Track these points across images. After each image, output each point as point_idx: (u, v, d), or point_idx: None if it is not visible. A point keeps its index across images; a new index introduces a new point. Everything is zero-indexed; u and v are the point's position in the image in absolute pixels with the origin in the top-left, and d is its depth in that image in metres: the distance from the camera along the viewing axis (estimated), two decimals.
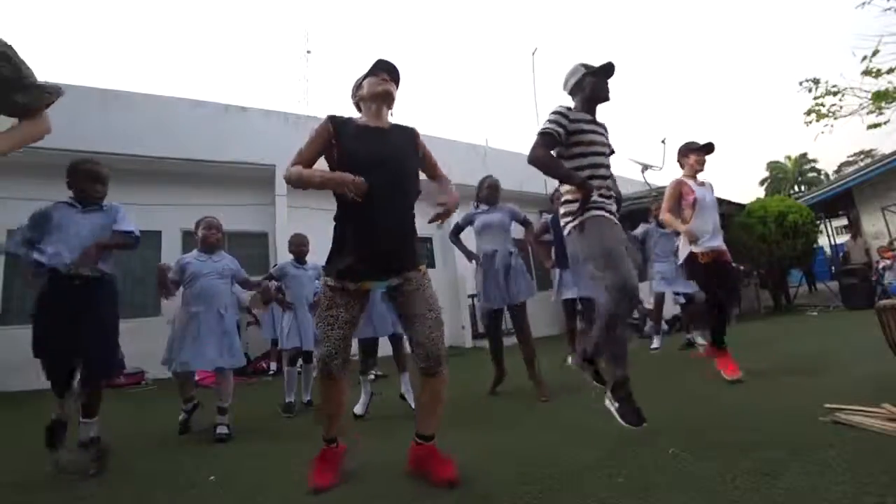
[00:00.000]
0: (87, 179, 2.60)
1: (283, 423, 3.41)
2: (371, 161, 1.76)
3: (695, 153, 3.45)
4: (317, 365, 1.81)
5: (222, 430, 3.00)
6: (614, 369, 2.06)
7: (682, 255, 3.44)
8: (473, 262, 3.81)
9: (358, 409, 3.13)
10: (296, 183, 1.78)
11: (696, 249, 3.35)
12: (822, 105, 7.53)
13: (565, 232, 2.27)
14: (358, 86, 1.97)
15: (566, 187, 2.27)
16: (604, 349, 2.10)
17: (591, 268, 2.08)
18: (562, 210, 2.31)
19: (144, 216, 6.85)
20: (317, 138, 1.84)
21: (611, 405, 2.08)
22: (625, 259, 2.06)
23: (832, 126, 7.59)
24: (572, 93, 2.43)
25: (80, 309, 2.37)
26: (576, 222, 2.18)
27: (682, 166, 3.57)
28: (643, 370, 4.22)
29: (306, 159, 1.84)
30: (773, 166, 33.24)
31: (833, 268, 11.92)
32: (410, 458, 1.92)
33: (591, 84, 2.33)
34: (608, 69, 2.34)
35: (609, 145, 2.40)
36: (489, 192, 3.86)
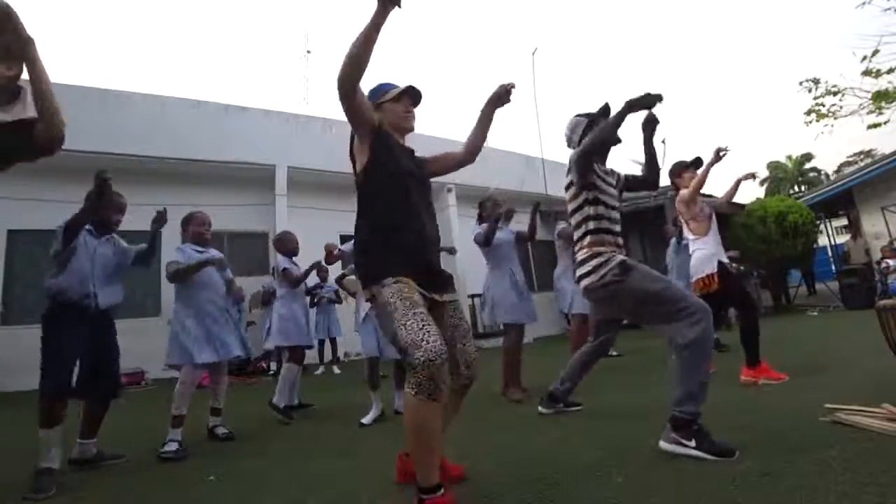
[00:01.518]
0: (117, 210, 2.68)
1: (282, 423, 3.40)
2: (415, 179, 1.74)
3: (687, 171, 3.52)
4: (419, 376, 1.38)
5: (223, 430, 3.00)
6: (693, 405, 1.85)
7: (706, 269, 3.35)
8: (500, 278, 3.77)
9: (366, 420, 3.08)
10: (352, 56, 1.49)
11: (723, 259, 3.35)
12: (822, 105, 7.51)
13: (600, 282, 2.09)
14: (379, 104, 1.78)
15: (585, 246, 2.19)
16: (688, 383, 1.87)
17: (656, 307, 1.97)
18: (584, 269, 2.18)
19: (144, 216, 6.81)
20: (370, 111, 1.67)
21: (681, 447, 1.81)
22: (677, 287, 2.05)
23: (832, 126, 7.58)
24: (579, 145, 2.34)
25: (100, 334, 2.53)
26: (612, 270, 2.06)
27: (677, 186, 3.59)
28: (643, 372, 4.22)
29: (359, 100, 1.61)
30: (773, 166, 33.21)
31: (833, 266, 11.90)
32: (402, 468, 1.83)
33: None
34: (606, 111, 2.31)
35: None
36: (495, 209, 3.87)
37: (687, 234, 3.56)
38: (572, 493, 1.58)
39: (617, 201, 2.28)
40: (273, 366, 7.15)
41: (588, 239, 2.18)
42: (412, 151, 1.87)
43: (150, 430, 3.28)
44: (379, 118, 1.73)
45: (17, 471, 2.32)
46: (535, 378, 3.90)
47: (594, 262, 2.12)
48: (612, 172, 2.36)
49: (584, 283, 2.16)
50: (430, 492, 1.43)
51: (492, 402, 3.41)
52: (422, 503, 1.43)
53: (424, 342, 1.39)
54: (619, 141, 2.28)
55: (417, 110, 1.85)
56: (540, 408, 2.79)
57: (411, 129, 1.84)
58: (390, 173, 1.67)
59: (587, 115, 2.36)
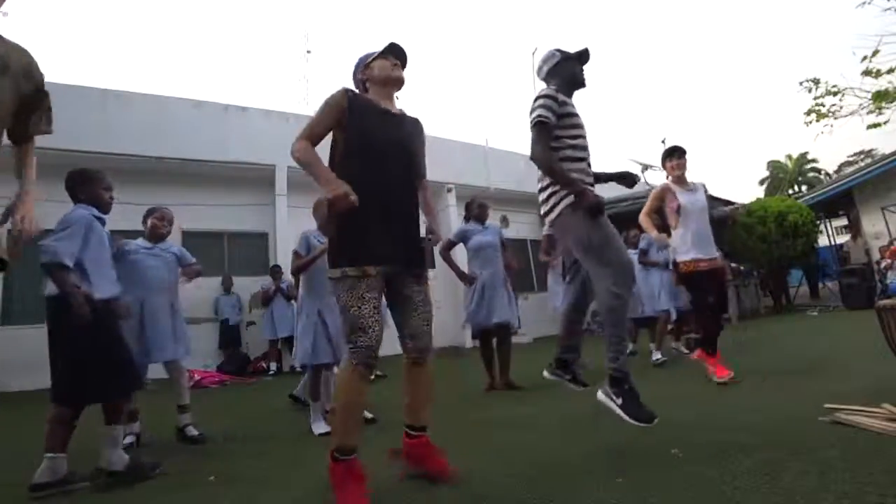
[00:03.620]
0: (108, 189, 2.47)
1: (282, 423, 3.40)
2: (389, 143, 1.77)
3: (667, 160, 3.57)
4: (355, 357, 1.62)
5: (192, 430, 2.89)
6: (618, 361, 1.98)
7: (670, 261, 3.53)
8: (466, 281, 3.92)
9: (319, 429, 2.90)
10: (302, 163, 1.69)
11: (679, 259, 3.38)
12: (822, 105, 7.52)
13: (554, 214, 2.14)
14: (366, 65, 1.89)
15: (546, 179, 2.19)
16: (608, 338, 2.01)
17: (589, 250, 2.04)
18: (547, 193, 2.19)
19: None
20: (330, 112, 1.74)
21: (610, 401, 1.96)
22: (619, 238, 2.07)
23: (832, 126, 7.59)
24: (547, 78, 2.38)
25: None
26: (566, 203, 2.08)
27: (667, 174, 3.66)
28: (641, 373, 4.22)
29: (317, 134, 1.73)
30: (774, 166, 33.22)
31: (832, 266, 11.91)
32: (405, 449, 1.90)
33: (569, 69, 2.31)
34: (584, 55, 2.34)
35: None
36: (481, 211, 4.06)
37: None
38: (572, 493, 1.57)
39: (582, 130, 2.25)
40: (273, 366, 7.15)
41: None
42: (398, 116, 1.87)
43: (150, 429, 3.28)
44: (366, 76, 1.86)
45: (18, 472, 2.31)
46: (536, 378, 3.89)
47: (550, 191, 2.16)
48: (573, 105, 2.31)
49: (543, 211, 2.22)
50: (347, 453, 1.61)
51: (491, 403, 3.41)
52: (336, 461, 1.60)
53: (368, 330, 1.61)
54: (583, 85, 2.34)
55: (416, 108, 1.93)
56: (545, 372, 2.50)
57: (401, 80, 1.89)
58: (365, 146, 1.72)
59: (563, 53, 2.33)
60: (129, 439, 2.65)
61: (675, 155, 3.53)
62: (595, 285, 2.06)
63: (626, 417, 1.88)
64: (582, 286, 2.50)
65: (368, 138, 1.73)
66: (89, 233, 2.25)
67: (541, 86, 2.38)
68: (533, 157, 2.15)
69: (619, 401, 1.91)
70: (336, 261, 1.68)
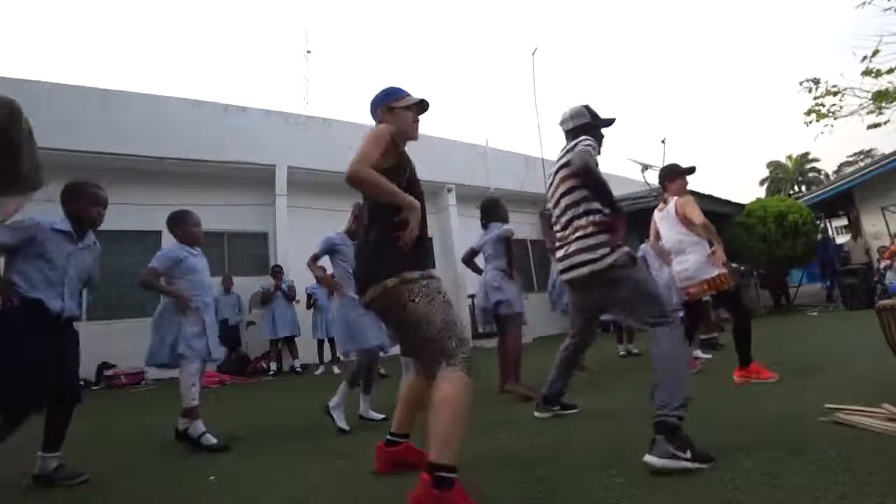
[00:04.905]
0: (97, 203, 2.41)
1: (282, 423, 3.40)
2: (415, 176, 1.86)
3: (680, 178, 3.57)
4: (467, 367, 1.60)
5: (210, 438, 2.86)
6: (684, 407, 1.82)
7: (715, 270, 3.32)
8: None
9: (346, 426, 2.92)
10: (370, 186, 1.60)
11: (723, 271, 3.31)
12: (822, 105, 7.52)
13: (605, 262, 2.01)
14: (391, 108, 1.84)
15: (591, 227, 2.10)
16: (674, 384, 1.90)
17: (647, 305, 2.01)
18: (597, 240, 2.06)
19: (144, 216, 6.86)
20: (384, 142, 1.69)
21: (677, 461, 1.64)
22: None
23: (832, 126, 7.59)
24: (569, 134, 2.35)
25: (64, 345, 2.27)
26: (618, 255, 2.01)
27: (666, 189, 3.63)
28: (643, 372, 4.22)
29: (375, 161, 1.64)
30: (774, 166, 33.24)
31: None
32: (384, 458, 1.98)
33: (597, 135, 2.30)
34: (609, 122, 2.35)
35: None
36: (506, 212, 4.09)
37: (680, 238, 3.51)
38: (572, 493, 1.57)
39: None
40: (273, 366, 7.15)
41: (592, 217, 2.11)
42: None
43: (151, 429, 3.28)
44: (389, 124, 1.78)
45: (17, 473, 2.31)
46: (538, 379, 3.89)
47: (597, 241, 2.05)
48: None
49: (582, 258, 2.07)
50: (455, 470, 1.49)
51: (491, 403, 3.41)
52: (446, 482, 1.45)
53: (465, 337, 1.65)
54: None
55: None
56: (536, 413, 2.74)
57: (415, 139, 1.88)
58: (416, 189, 1.77)
59: (592, 114, 2.35)
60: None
61: (685, 174, 3.58)
62: (658, 334, 1.99)
63: (703, 466, 1.65)
64: (590, 331, 2.70)
65: (415, 181, 1.81)
66: (31, 240, 2.21)
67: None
68: (591, 179, 2.08)
69: (688, 454, 1.65)
70: (413, 264, 1.67)
